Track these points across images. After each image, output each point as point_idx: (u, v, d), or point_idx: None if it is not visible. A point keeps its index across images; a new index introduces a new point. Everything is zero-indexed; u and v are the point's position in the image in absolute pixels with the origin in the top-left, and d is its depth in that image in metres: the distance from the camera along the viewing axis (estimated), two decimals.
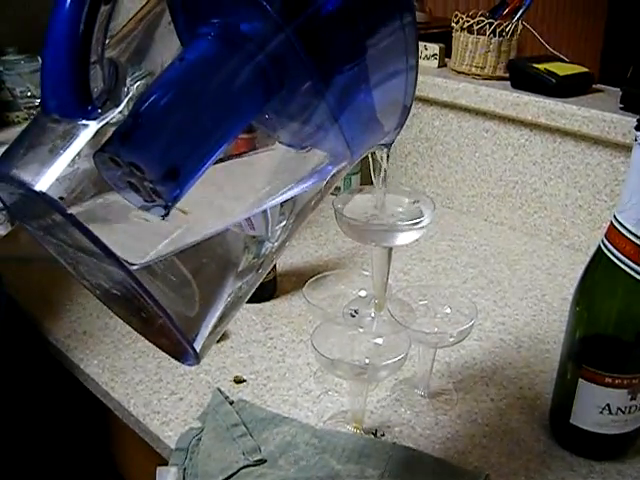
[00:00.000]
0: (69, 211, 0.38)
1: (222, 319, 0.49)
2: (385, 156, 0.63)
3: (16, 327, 1.12)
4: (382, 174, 0.66)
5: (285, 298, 1.16)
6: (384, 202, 0.69)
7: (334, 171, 0.52)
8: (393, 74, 0.50)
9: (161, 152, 0.38)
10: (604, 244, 0.75)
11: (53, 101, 0.40)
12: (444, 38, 1.55)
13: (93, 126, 0.41)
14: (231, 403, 0.89)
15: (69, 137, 0.41)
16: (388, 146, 0.60)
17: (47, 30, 0.39)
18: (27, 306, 1.14)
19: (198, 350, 0.46)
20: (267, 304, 1.14)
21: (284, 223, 0.52)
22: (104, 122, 0.41)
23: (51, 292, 1.17)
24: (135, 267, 0.40)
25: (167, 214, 0.39)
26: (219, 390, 0.91)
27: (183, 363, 0.50)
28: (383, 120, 0.54)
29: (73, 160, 0.40)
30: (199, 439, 0.84)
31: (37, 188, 0.38)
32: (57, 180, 0.39)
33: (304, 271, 1.24)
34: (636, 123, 0.69)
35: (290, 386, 0.94)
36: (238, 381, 0.95)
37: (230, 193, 0.49)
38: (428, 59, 1.55)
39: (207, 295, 0.49)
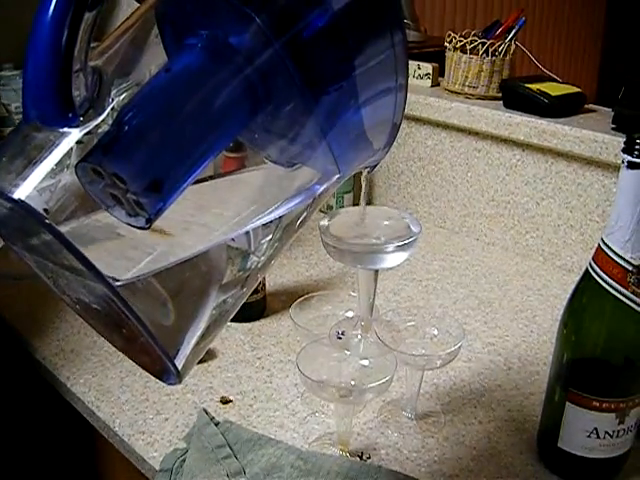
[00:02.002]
0: (48, 221, 0.37)
1: (206, 335, 0.48)
2: (366, 177, 0.62)
3: (3, 344, 1.11)
4: (363, 194, 0.66)
5: (274, 318, 1.15)
6: (364, 220, 0.68)
7: (322, 189, 0.52)
8: (383, 92, 0.49)
9: (144, 163, 0.37)
10: (592, 267, 0.75)
11: (34, 109, 0.40)
12: (438, 57, 1.55)
13: (75, 134, 0.40)
14: (217, 424, 0.88)
15: (49, 145, 0.40)
16: (371, 168, 0.59)
17: (29, 36, 0.38)
18: (15, 323, 1.13)
19: (180, 367, 0.46)
20: (256, 323, 1.13)
21: (270, 237, 0.51)
22: (86, 130, 0.40)
23: (39, 310, 1.17)
24: (118, 283, 0.39)
25: (149, 227, 0.39)
26: (205, 411, 0.90)
27: (165, 382, 0.48)
28: (372, 138, 0.53)
29: (54, 170, 0.39)
30: (183, 460, 0.83)
31: (15, 196, 0.37)
32: (37, 190, 0.38)
33: (294, 290, 1.23)
34: (623, 146, 0.69)
35: (277, 407, 0.93)
36: (224, 401, 0.94)
37: (215, 212, 0.49)
38: (421, 78, 1.55)
39: (189, 309, 0.48)
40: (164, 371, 0.46)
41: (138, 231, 0.39)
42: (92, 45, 0.43)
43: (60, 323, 1.13)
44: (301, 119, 0.45)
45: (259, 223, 0.49)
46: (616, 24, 3.54)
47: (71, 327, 1.12)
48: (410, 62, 1.55)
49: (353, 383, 0.79)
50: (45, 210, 0.38)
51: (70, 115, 0.40)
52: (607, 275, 0.72)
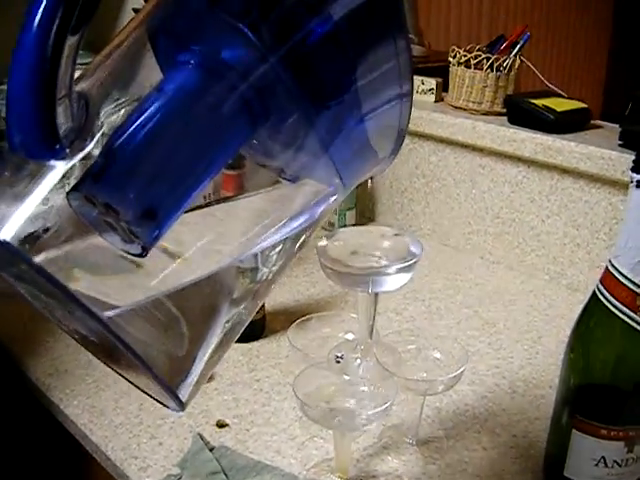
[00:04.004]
0: (35, 260, 0.35)
1: (217, 351, 0.46)
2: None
3: None
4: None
5: (274, 338, 1.12)
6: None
7: (327, 204, 0.49)
8: (387, 101, 0.47)
9: (137, 192, 0.35)
10: (599, 290, 0.72)
11: (18, 140, 0.37)
12: (442, 72, 1.53)
13: (61, 167, 0.38)
14: (212, 449, 0.85)
15: (36, 179, 0.38)
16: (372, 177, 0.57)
17: (10, 63, 0.36)
18: (8, 342, 1.11)
19: (185, 397, 0.43)
20: (255, 344, 1.11)
21: (280, 248, 0.49)
22: (73, 162, 0.38)
23: (33, 329, 1.14)
24: (110, 314, 0.37)
25: (145, 255, 0.37)
26: (200, 435, 0.88)
27: (170, 409, 0.46)
28: (377, 147, 0.51)
29: (44, 200, 0.37)
30: None
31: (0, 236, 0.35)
32: (26, 221, 0.36)
33: (294, 310, 1.21)
34: (632, 164, 0.66)
35: (274, 431, 0.91)
36: (220, 425, 0.91)
37: (220, 236, 0.47)
38: (425, 94, 1.53)
39: (200, 328, 0.45)
40: (168, 401, 0.44)
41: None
42: (89, 59, 0.41)
43: (54, 343, 1.11)
44: (301, 134, 0.43)
45: (269, 243, 0.47)
46: (622, 39, 3.53)
47: (65, 347, 1.10)
48: (414, 77, 1.52)
49: (352, 409, 0.77)
50: (35, 237, 0.36)
51: (56, 147, 0.37)
52: (615, 299, 0.70)
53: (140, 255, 0.37)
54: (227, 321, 0.47)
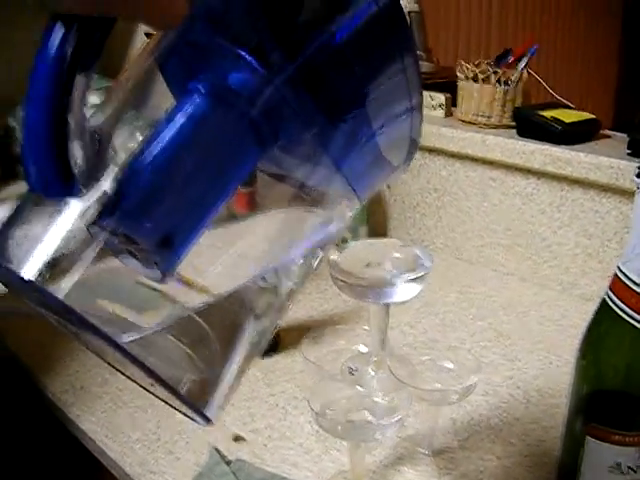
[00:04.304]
0: (54, 292, 0.36)
1: (246, 361, 0.46)
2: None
3: (15, 382, 1.10)
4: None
5: (288, 353, 1.13)
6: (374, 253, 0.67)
7: (346, 216, 0.50)
8: (397, 114, 0.47)
9: (152, 222, 0.36)
10: (609, 296, 0.73)
11: (34, 180, 0.38)
12: (451, 88, 1.54)
13: (77, 205, 0.38)
14: (228, 463, 0.86)
15: (53, 218, 0.38)
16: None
17: (23, 105, 0.37)
18: (25, 359, 1.12)
19: (214, 413, 0.43)
20: (270, 359, 1.11)
21: (300, 263, 0.50)
22: (90, 200, 0.38)
23: (50, 346, 1.15)
24: (131, 338, 0.38)
25: (165, 280, 0.38)
26: (216, 449, 0.89)
27: (197, 422, 0.47)
28: (390, 157, 0.51)
29: (63, 239, 0.38)
30: None
31: (24, 276, 0.36)
32: (44, 263, 0.37)
33: (308, 326, 1.21)
34: (636, 170, 0.67)
35: (290, 445, 0.91)
36: (237, 439, 0.92)
37: (238, 255, 0.47)
38: (434, 109, 1.54)
39: (226, 342, 0.46)
40: (196, 419, 0.44)
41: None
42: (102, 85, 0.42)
43: (71, 361, 1.12)
44: (312, 155, 0.44)
45: (289, 260, 0.48)
46: (633, 49, 3.54)
47: (82, 364, 1.11)
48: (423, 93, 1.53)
49: (366, 420, 0.77)
50: (53, 264, 0.36)
51: (70, 185, 0.38)
52: (625, 304, 0.70)
53: (160, 280, 0.38)
54: (252, 334, 0.47)
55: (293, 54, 0.40)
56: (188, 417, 0.46)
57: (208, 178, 0.39)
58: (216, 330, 0.45)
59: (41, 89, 0.36)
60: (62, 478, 1.20)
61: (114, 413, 0.99)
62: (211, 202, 0.39)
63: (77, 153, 0.38)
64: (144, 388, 0.49)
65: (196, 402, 0.43)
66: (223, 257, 0.46)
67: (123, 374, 0.51)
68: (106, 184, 0.39)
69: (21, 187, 0.39)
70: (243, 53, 0.39)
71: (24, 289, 0.39)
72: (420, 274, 0.67)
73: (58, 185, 0.38)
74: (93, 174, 0.39)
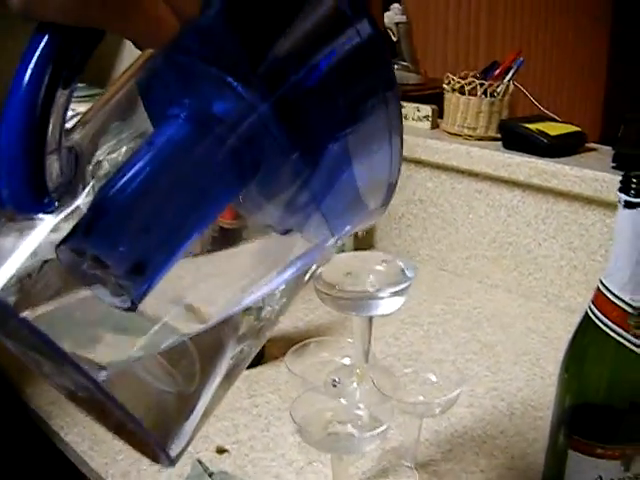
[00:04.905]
0: (23, 315, 0.35)
1: (220, 387, 0.45)
2: None
3: None
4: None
5: (273, 364, 1.13)
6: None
7: (319, 254, 0.50)
8: (376, 151, 0.47)
9: (126, 245, 0.35)
10: (591, 309, 0.73)
11: (6, 194, 0.37)
12: (438, 99, 1.54)
13: (49, 221, 0.37)
14: (211, 475, 0.86)
15: (24, 233, 0.37)
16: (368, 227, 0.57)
17: (1, 116, 0.36)
18: (8, 371, 1.11)
19: (176, 453, 0.41)
20: (253, 370, 1.11)
21: (283, 287, 0.50)
22: (62, 216, 0.38)
23: None
24: (103, 376, 0.36)
25: (135, 309, 0.36)
26: (199, 461, 0.88)
27: (158, 464, 0.46)
28: (367, 199, 0.50)
29: (32, 254, 0.37)
30: None
31: None
32: (10, 279, 0.36)
33: (293, 336, 1.21)
34: (620, 185, 0.67)
35: (273, 456, 0.91)
36: (220, 451, 0.92)
37: (219, 284, 0.47)
38: (421, 120, 1.54)
39: (206, 364, 0.45)
40: (158, 456, 0.43)
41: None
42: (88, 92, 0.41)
43: None
44: (291, 186, 0.43)
45: (271, 287, 0.47)
46: (620, 62, 3.55)
47: None
48: (409, 104, 1.54)
49: (349, 432, 0.77)
50: (19, 288, 0.36)
51: (45, 201, 0.37)
52: (607, 318, 0.70)
53: (129, 309, 0.36)
54: (231, 357, 0.46)
55: (277, 84, 0.40)
56: (155, 460, 0.44)
57: (185, 204, 0.38)
58: (199, 348, 0.44)
59: (19, 101, 0.35)
60: None
61: (98, 425, 0.98)
62: (187, 230, 0.38)
63: (53, 168, 0.37)
64: (106, 428, 0.48)
65: (165, 432, 0.41)
66: (214, 284, 0.45)
67: (79, 407, 0.49)
68: (81, 201, 0.38)
69: None
70: (230, 79, 0.39)
71: None
72: (402, 286, 0.67)
73: (31, 200, 0.37)
74: (68, 192, 0.38)
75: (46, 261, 0.37)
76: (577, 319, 0.77)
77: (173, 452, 0.42)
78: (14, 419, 1.10)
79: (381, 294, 0.67)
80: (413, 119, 1.55)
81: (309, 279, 0.52)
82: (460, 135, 1.44)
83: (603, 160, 1.26)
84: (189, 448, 0.87)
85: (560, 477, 0.77)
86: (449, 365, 0.86)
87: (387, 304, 0.68)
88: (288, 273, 0.48)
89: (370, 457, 0.91)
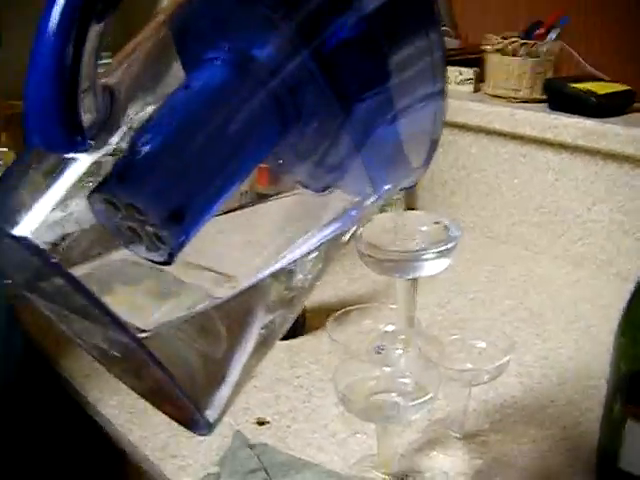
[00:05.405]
0: (56, 261, 0.33)
1: (253, 357, 0.44)
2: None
3: (34, 367, 1.08)
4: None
5: (314, 335, 1.10)
6: (402, 226, 0.63)
7: (359, 213, 0.48)
8: (420, 99, 0.45)
9: (163, 192, 0.33)
10: None
11: (38, 134, 0.35)
12: (480, 63, 1.50)
13: (84, 160, 0.36)
14: (251, 447, 0.83)
15: (56, 173, 0.36)
16: (411, 189, 0.55)
17: (31, 52, 0.34)
18: (44, 345, 1.10)
19: (213, 418, 0.41)
20: (295, 341, 1.08)
21: (315, 254, 0.47)
22: (98, 155, 0.36)
23: None
24: (144, 335, 0.35)
25: (172, 262, 0.34)
26: (239, 433, 0.86)
27: (195, 433, 0.44)
28: (409, 154, 0.48)
29: (64, 202, 0.35)
30: None
31: (17, 233, 0.33)
32: (43, 225, 0.34)
33: (335, 306, 1.17)
34: None
35: (315, 428, 0.88)
36: (261, 423, 0.89)
37: (251, 244, 0.45)
38: (463, 84, 1.50)
39: (235, 331, 0.43)
40: (194, 423, 0.42)
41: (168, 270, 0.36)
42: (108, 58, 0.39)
43: None
44: (333, 134, 0.41)
45: (303, 250, 0.45)
46: None
47: None
48: (451, 68, 1.50)
49: (394, 401, 0.74)
50: (55, 246, 0.34)
51: (78, 139, 0.35)
52: None
53: (166, 263, 0.35)
54: (262, 327, 0.45)
55: (322, 26, 0.38)
56: (188, 428, 0.44)
57: (224, 151, 0.36)
58: (226, 316, 0.43)
59: (50, 36, 0.33)
60: (81, 463, 1.18)
61: (135, 396, 0.96)
62: (226, 178, 0.36)
63: (87, 108, 0.35)
64: (136, 391, 0.48)
65: (200, 398, 0.40)
66: (243, 246, 0.44)
67: (109, 369, 0.49)
68: (117, 140, 0.36)
69: None
70: (275, 17, 0.37)
71: (16, 256, 0.36)
72: (448, 246, 0.64)
73: (65, 137, 0.35)
74: (103, 131, 0.36)
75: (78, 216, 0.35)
76: (629, 286, 0.73)
77: (209, 417, 0.40)
78: (49, 393, 1.09)
79: (426, 254, 0.63)
80: (455, 82, 1.50)
81: (348, 240, 0.50)
82: (503, 97, 1.40)
83: None
84: (229, 420, 0.86)
85: (617, 447, 0.73)
86: (497, 332, 0.82)
87: (432, 265, 0.64)
88: (324, 234, 0.46)
89: (416, 428, 0.87)
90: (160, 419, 0.89)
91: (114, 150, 0.36)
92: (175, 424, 0.88)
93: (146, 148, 0.34)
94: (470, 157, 1.47)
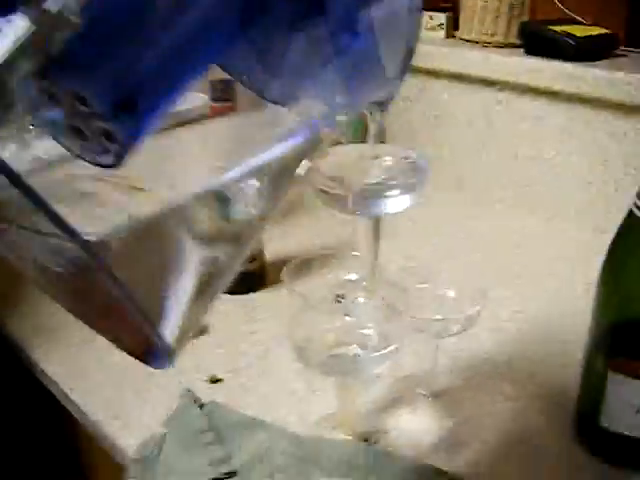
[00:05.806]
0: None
1: (198, 299, 0.39)
2: (376, 119, 0.54)
3: None
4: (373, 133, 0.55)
5: (273, 289, 1.04)
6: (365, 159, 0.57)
7: (325, 124, 0.43)
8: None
9: (111, 76, 0.29)
10: (637, 206, 0.62)
11: None
12: (452, 9, 1.43)
13: (19, 22, 0.31)
14: (201, 406, 0.77)
15: None
16: (385, 106, 0.51)
17: None
18: None
19: (170, 341, 0.36)
20: (253, 295, 1.02)
21: (257, 185, 0.41)
22: (32, 14, 0.31)
23: (14, 288, 1.06)
24: (91, 238, 0.31)
25: (120, 161, 0.30)
26: (189, 391, 0.79)
27: (153, 365, 0.39)
28: (385, 61, 0.44)
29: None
30: (161, 448, 0.72)
31: None
32: None
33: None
34: None
35: (272, 385, 0.82)
36: (214, 381, 0.83)
37: (188, 161, 0.42)
38: (434, 30, 1.43)
39: (166, 259, 0.38)
40: (150, 348, 0.37)
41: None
42: None
43: (36, 300, 1.02)
44: (304, 31, 0.37)
45: (242, 172, 0.40)
46: None
47: (48, 305, 1.01)
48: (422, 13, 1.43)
49: (355, 353, 0.67)
50: None
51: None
52: None
53: (113, 165, 0.30)
54: (202, 263, 0.39)
55: None
56: (142, 360, 0.39)
57: (182, 35, 0.32)
58: (148, 251, 0.38)
59: None
60: (27, 424, 1.13)
61: (80, 355, 0.90)
62: (183, 67, 0.32)
63: None
64: (84, 320, 0.42)
65: (152, 318, 0.35)
66: (171, 163, 0.40)
67: (55, 298, 0.43)
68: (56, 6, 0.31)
69: None
70: None
71: None
72: (414, 180, 0.57)
73: None
74: None
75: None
76: (607, 239, 0.68)
77: (168, 339, 0.36)
78: None
79: (390, 189, 0.56)
80: (426, 28, 1.43)
81: (293, 176, 0.44)
82: (478, 42, 1.33)
83: (636, 65, 1.15)
84: (179, 378, 0.79)
85: (598, 404, 0.68)
86: (468, 280, 0.76)
87: (397, 201, 0.57)
88: (266, 157, 0.41)
89: (381, 385, 0.82)
90: (103, 377, 0.83)
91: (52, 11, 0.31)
92: (120, 378, 0.82)
93: (91, 26, 0.29)
94: (442, 104, 1.40)
